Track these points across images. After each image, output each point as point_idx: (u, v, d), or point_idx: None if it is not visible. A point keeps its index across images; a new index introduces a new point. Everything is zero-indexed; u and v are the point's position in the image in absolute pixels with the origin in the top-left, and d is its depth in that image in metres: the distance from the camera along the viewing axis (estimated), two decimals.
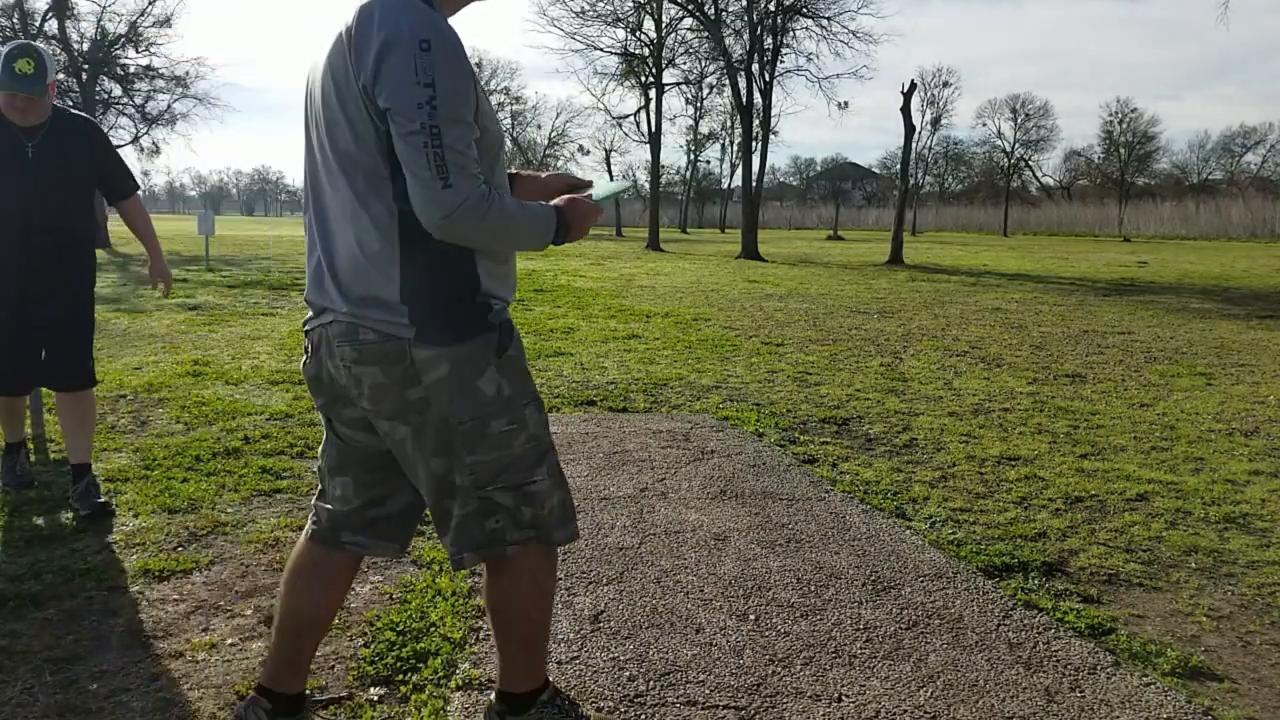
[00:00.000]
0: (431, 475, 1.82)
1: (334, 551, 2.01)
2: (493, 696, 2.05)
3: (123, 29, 24.72)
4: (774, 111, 25.95)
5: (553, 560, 1.96)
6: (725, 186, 64.01)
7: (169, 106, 26.25)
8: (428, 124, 1.62)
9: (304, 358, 1.91)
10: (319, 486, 2.04)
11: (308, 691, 2.15)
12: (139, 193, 3.70)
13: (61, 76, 24.22)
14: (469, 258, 1.77)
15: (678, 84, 33.69)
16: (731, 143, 54.85)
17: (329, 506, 2.00)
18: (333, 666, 2.39)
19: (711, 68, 31.62)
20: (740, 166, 27.15)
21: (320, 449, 2.03)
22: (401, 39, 1.62)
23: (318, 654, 2.43)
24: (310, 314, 1.87)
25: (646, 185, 34.96)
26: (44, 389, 4.68)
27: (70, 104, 24.49)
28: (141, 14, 24.68)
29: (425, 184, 1.64)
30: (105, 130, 3.71)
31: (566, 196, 1.90)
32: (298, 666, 2.06)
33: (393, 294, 1.72)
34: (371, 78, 1.64)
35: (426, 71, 1.61)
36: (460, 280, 1.77)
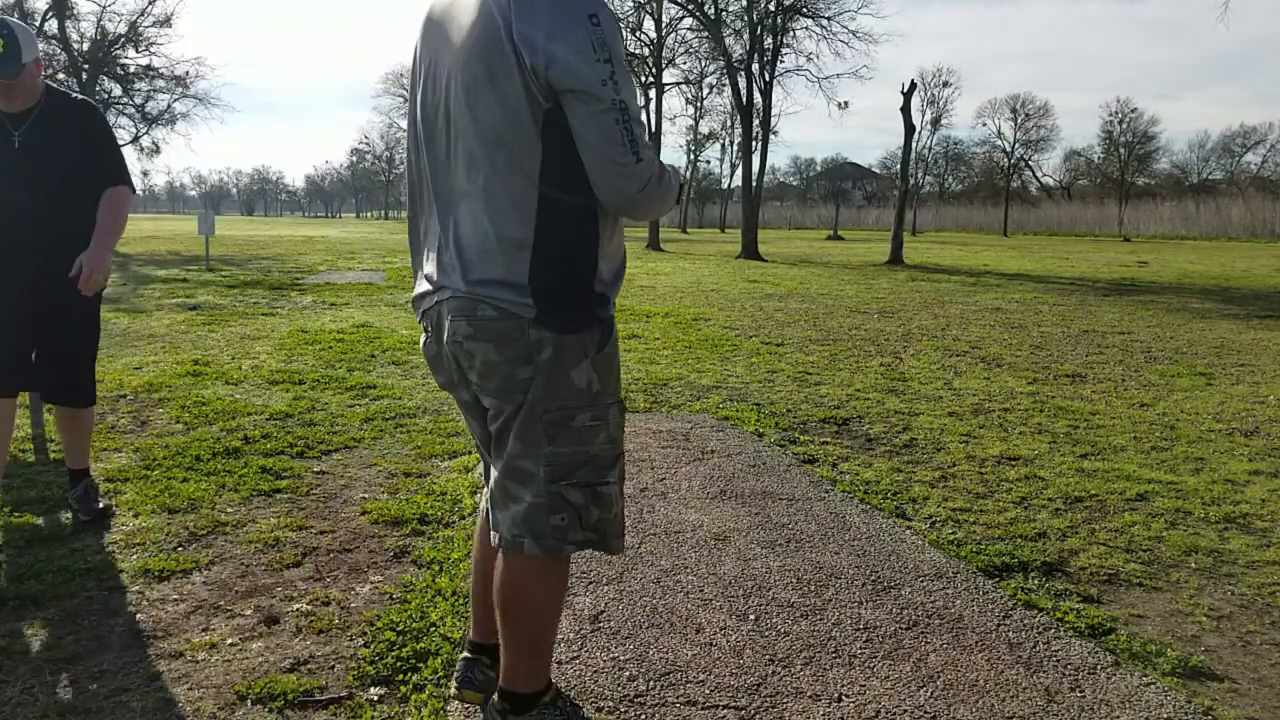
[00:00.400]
0: (508, 454, 1.82)
1: None
2: (495, 695, 2.05)
3: (122, 29, 24.72)
4: (774, 111, 26.00)
5: (565, 565, 1.94)
6: (725, 186, 64.05)
7: (169, 106, 26.26)
8: (616, 99, 1.62)
9: (424, 337, 1.92)
10: (484, 466, 2.08)
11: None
12: (130, 191, 3.31)
13: (62, 76, 24.19)
14: (593, 245, 1.77)
15: (678, 84, 33.72)
16: (731, 143, 54.91)
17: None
18: (333, 666, 2.39)
19: (711, 68, 31.64)
20: (740, 166, 27.16)
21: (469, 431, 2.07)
22: (572, 15, 1.61)
23: (317, 654, 2.44)
24: (425, 289, 1.86)
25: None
26: None
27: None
28: (141, 14, 24.68)
29: (617, 159, 1.65)
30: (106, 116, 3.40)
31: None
32: (491, 622, 2.12)
33: (521, 275, 1.71)
34: (544, 57, 1.60)
35: (603, 46, 1.61)
36: (584, 266, 1.77)
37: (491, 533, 1.91)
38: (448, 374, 1.89)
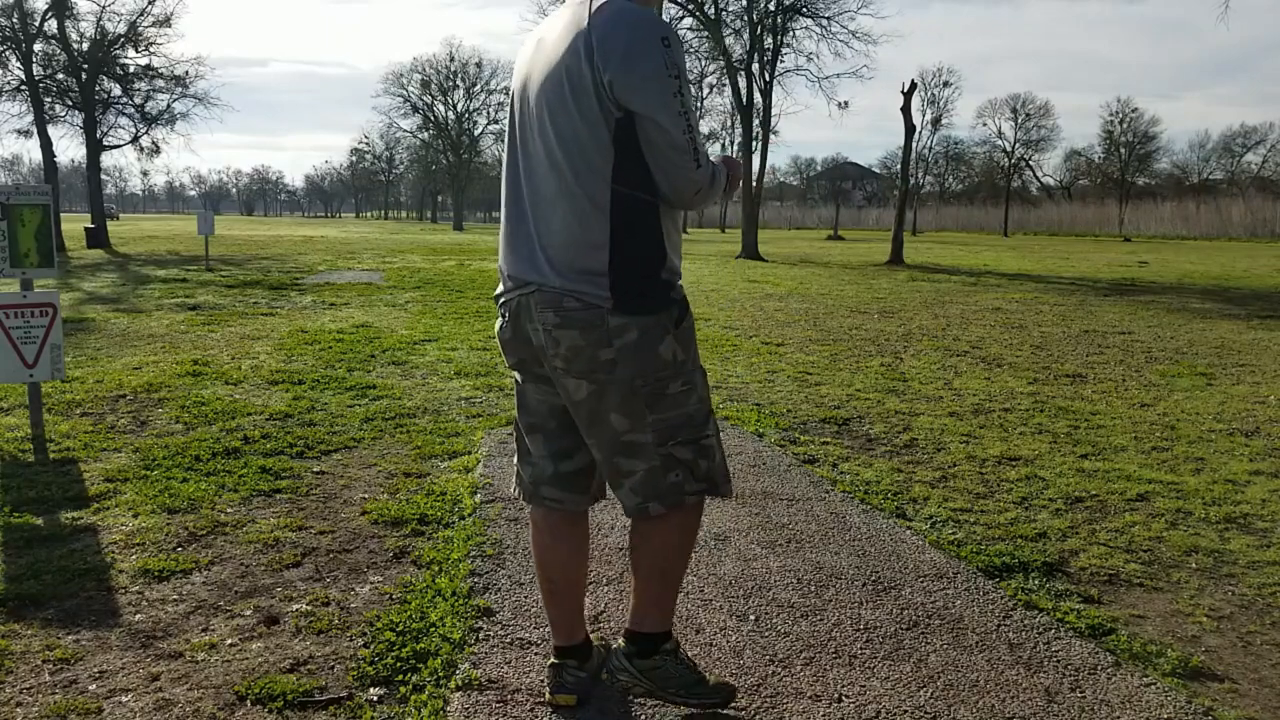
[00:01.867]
0: (611, 432, 2.01)
1: (547, 510, 2.21)
2: (620, 640, 2.14)
3: (122, 29, 24.66)
4: (774, 111, 26.01)
5: (690, 514, 2.11)
6: None
7: (169, 106, 26.16)
8: (682, 111, 1.87)
9: (500, 322, 2.11)
10: (518, 448, 2.25)
11: (594, 639, 2.34)
12: None
13: (61, 76, 24.16)
14: (660, 236, 1.98)
15: None
16: (732, 143, 54.80)
17: (530, 465, 2.21)
18: (333, 667, 2.39)
19: (711, 68, 31.64)
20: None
21: (516, 413, 2.23)
22: (646, 39, 1.85)
23: (317, 654, 2.44)
24: (509, 286, 2.05)
25: None
26: (44, 387, 4.65)
27: (70, 103, 24.45)
28: (141, 14, 24.60)
29: (681, 165, 1.90)
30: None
31: (722, 155, 2.13)
32: (566, 623, 2.24)
33: (601, 267, 1.92)
34: (622, 74, 1.83)
35: (673, 65, 1.86)
36: (654, 256, 1.98)
37: (573, 515, 2.15)
38: (519, 355, 2.09)
